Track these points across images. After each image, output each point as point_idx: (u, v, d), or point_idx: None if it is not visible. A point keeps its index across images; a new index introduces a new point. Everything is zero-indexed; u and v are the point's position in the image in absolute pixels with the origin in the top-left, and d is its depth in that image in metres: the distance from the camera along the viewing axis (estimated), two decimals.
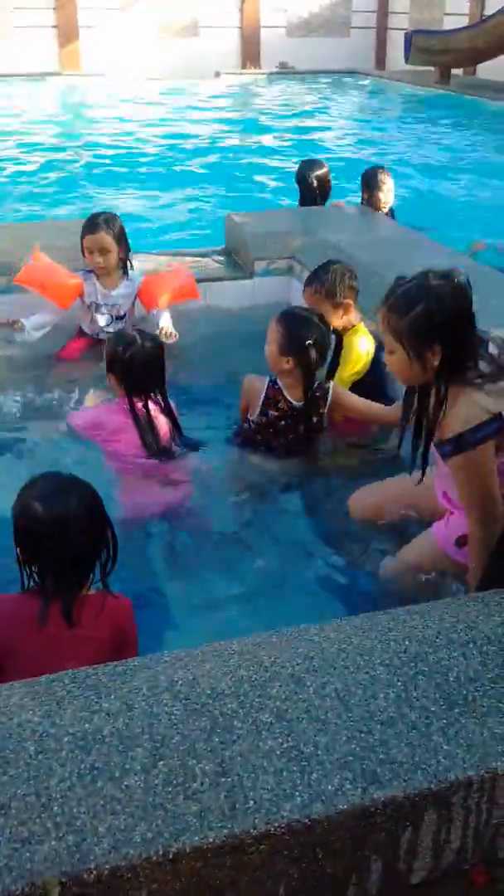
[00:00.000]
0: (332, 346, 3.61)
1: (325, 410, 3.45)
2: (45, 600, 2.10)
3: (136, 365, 3.18)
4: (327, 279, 3.78)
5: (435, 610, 1.98)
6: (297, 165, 6.30)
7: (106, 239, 4.27)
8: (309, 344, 3.31)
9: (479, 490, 2.36)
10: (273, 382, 3.41)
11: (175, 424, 3.34)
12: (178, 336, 4.36)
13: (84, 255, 4.35)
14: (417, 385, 2.44)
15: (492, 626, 1.91)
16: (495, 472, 2.36)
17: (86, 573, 2.16)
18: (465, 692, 1.72)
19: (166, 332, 4.31)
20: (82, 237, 4.30)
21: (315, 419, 3.45)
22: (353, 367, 3.77)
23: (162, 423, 3.29)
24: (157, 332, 4.20)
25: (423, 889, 1.66)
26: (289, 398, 3.40)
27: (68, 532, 2.08)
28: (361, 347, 3.79)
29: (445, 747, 1.60)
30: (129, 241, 4.51)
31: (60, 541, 2.08)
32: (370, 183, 6.00)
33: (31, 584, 2.16)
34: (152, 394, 3.26)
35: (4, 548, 2.22)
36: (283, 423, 3.43)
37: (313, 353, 3.33)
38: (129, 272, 4.50)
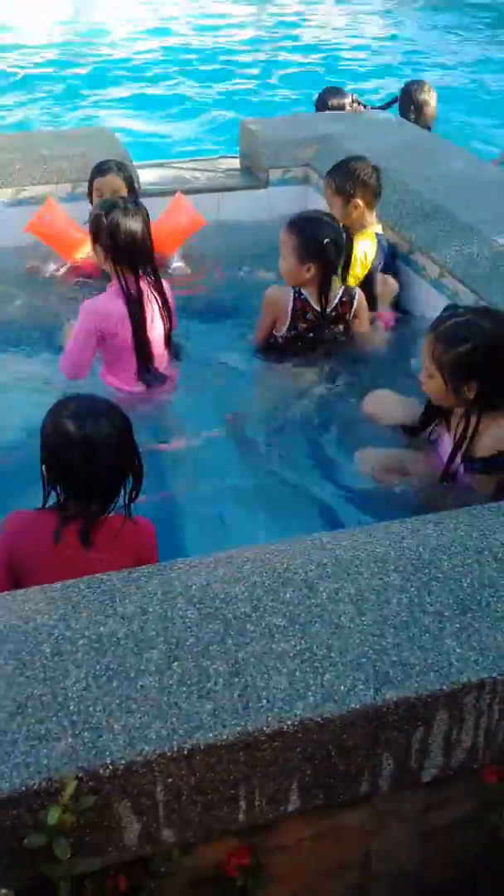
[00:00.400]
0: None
1: (351, 317, 3.37)
2: (64, 520, 2.08)
3: (121, 232, 3.06)
4: (342, 174, 3.70)
5: (450, 519, 1.96)
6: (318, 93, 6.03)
7: (116, 181, 4.11)
8: (326, 243, 3.21)
9: None
10: (298, 293, 3.32)
11: (167, 309, 3.24)
12: (190, 271, 4.26)
13: (92, 197, 4.18)
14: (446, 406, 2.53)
15: None
16: None
17: (109, 498, 2.13)
18: (479, 598, 1.72)
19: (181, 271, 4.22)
20: (92, 179, 4.14)
21: (342, 326, 3.37)
22: (352, 269, 3.66)
23: (155, 315, 3.20)
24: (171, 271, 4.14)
25: (435, 786, 1.69)
26: (316, 307, 3.32)
27: (97, 454, 2.04)
28: (359, 249, 3.69)
29: (458, 650, 1.60)
30: (142, 151, 4.36)
31: (89, 463, 2.04)
32: (415, 101, 5.70)
33: (53, 502, 2.15)
34: (142, 272, 3.15)
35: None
36: (311, 334, 3.35)
37: (332, 253, 3.23)
38: None
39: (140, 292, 3.15)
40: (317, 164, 4.65)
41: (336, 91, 6.01)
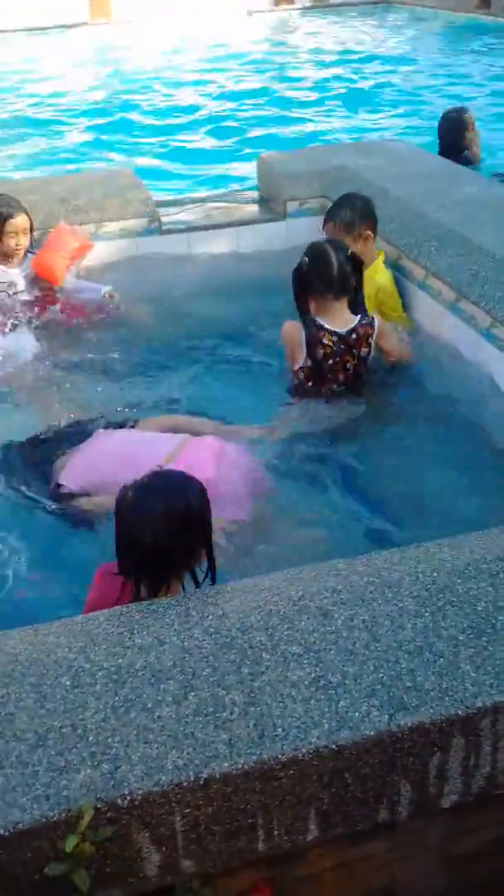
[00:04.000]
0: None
1: (374, 339, 3.40)
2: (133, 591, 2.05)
3: None
4: (346, 213, 3.78)
5: (465, 542, 1.96)
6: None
7: (27, 221, 4.22)
8: (340, 262, 3.27)
9: None
10: (312, 321, 3.35)
11: None
12: (115, 294, 4.30)
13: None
14: None
15: None
16: None
17: (158, 576, 2.03)
18: (493, 621, 1.72)
19: (109, 294, 4.26)
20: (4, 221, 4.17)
21: (364, 350, 3.40)
22: (370, 300, 3.71)
23: None
24: (104, 297, 4.22)
25: (457, 813, 1.68)
26: (332, 329, 3.34)
27: (142, 528, 2.00)
28: (377, 282, 3.77)
29: (473, 675, 1.60)
30: (162, 188, 4.46)
31: (130, 535, 2.03)
32: (462, 130, 5.78)
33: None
34: None
35: None
36: (331, 361, 3.37)
37: (347, 268, 3.30)
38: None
39: None
40: (332, 195, 4.71)
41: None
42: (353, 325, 3.36)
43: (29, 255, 4.27)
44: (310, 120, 9.11)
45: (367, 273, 3.69)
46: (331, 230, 3.83)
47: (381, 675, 1.60)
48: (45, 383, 3.77)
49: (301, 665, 1.64)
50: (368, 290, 3.66)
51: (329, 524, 2.87)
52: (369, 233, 3.79)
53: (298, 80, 11.63)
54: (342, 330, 3.34)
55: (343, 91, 10.63)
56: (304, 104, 10.00)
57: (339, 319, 3.35)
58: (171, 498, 2.02)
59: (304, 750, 1.49)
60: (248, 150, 7.79)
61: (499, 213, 4.04)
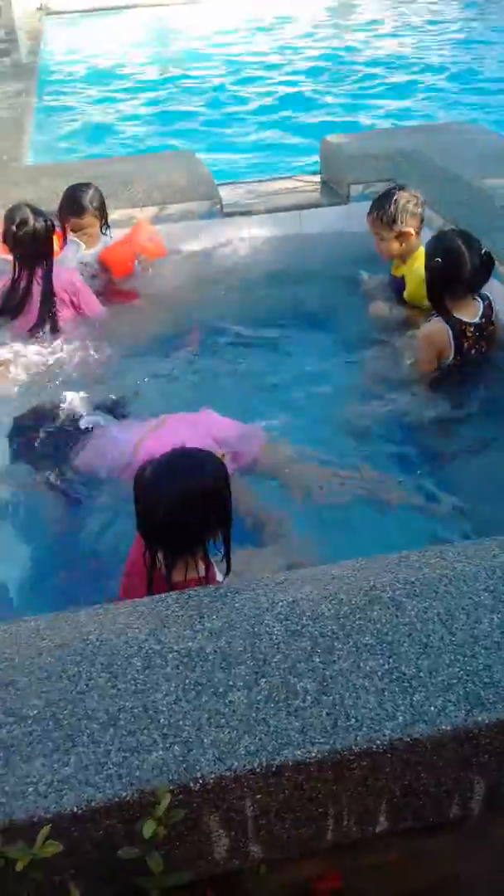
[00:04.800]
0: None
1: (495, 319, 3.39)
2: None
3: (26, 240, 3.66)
4: (390, 207, 3.78)
5: None
6: None
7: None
8: (472, 259, 3.23)
9: None
10: (457, 320, 3.31)
11: (50, 303, 3.78)
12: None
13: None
14: None
15: None
16: None
17: (174, 550, 2.06)
18: None
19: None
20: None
21: (490, 329, 3.39)
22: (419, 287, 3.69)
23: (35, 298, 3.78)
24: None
25: None
26: (471, 321, 3.32)
27: (155, 503, 2.02)
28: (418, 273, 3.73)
29: None
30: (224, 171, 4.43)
31: (147, 510, 2.05)
32: None
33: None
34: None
35: None
36: (472, 351, 3.35)
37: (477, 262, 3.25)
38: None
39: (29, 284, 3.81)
40: (399, 179, 4.63)
41: None
42: (482, 311, 3.35)
43: (104, 237, 4.29)
44: (376, 104, 8.94)
45: (412, 266, 3.67)
46: (373, 222, 3.86)
47: (457, 669, 1.58)
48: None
49: (374, 656, 1.61)
50: (418, 282, 3.64)
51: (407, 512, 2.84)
52: (410, 230, 3.78)
53: (365, 63, 11.44)
54: (477, 319, 3.34)
55: (413, 73, 10.42)
56: (370, 86, 9.83)
57: (472, 310, 3.35)
58: (187, 475, 2.04)
59: (378, 742, 1.47)
60: (310, 134, 7.70)
61: None
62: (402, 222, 3.76)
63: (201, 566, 2.10)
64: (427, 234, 4.12)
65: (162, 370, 3.73)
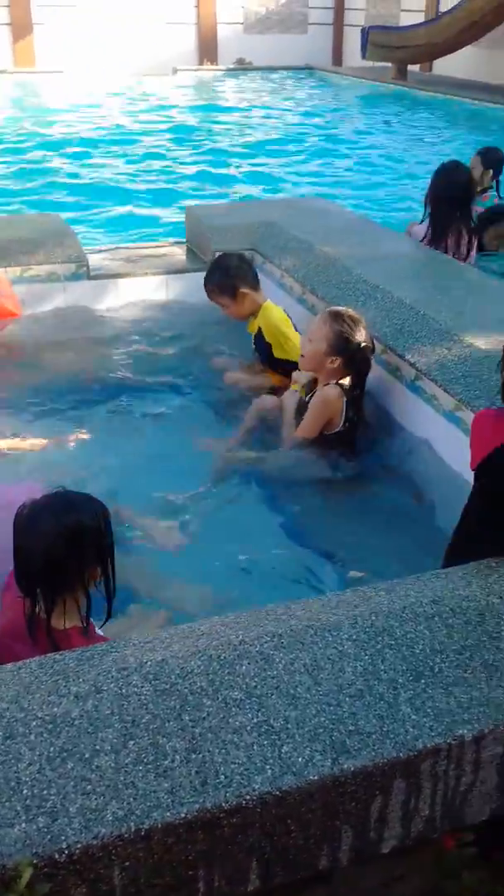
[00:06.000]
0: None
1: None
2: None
3: None
4: (219, 276, 3.97)
5: (401, 586, 2.00)
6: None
7: None
8: (362, 346, 3.30)
9: None
10: (351, 387, 3.35)
11: None
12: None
13: None
14: None
15: (456, 600, 1.93)
16: None
17: (51, 591, 2.07)
18: (430, 663, 1.74)
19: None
20: None
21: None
22: (286, 336, 3.88)
23: None
24: None
25: (394, 858, 1.68)
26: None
27: (34, 540, 2.05)
28: (274, 317, 3.93)
29: (413, 717, 1.62)
30: (89, 237, 4.46)
31: (25, 548, 2.07)
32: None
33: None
34: None
35: None
36: (357, 419, 3.39)
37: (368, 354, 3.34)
38: None
39: None
40: (260, 247, 4.82)
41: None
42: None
43: None
44: (234, 176, 9.32)
45: (266, 316, 3.84)
46: (210, 294, 4.03)
47: (323, 718, 1.60)
48: None
49: (243, 710, 1.62)
50: (273, 330, 3.83)
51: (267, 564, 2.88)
52: (245, 290, 3.94)
53: (222, 134, 11.93)
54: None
55: (266, 148, 10.95)
56: (228, 161, 10.24)
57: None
58: (64, 514, 2.07)
59: (247, 797, 1.47)
60: (174, 203, 7.91)
61: (419, 267, 4.23)
62: (235, 286, 3.92)
63: (83, 608, 2.10)
64: (282, 294, 4.31)
65: None
